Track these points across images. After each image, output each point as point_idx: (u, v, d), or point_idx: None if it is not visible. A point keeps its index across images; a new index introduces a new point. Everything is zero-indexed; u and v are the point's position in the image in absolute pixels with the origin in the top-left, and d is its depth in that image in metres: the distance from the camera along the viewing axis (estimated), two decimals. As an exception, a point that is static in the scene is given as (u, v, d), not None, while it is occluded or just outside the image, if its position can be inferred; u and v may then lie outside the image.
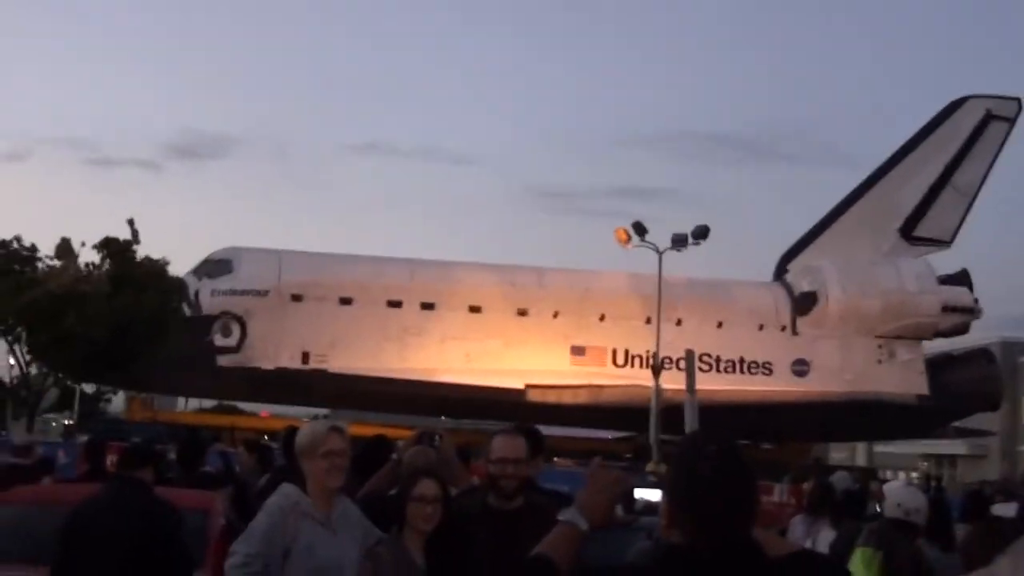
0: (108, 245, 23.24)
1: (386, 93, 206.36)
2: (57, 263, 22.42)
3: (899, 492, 7.02)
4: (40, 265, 22.45)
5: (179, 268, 40.24)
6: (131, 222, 23.73)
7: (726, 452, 2.89)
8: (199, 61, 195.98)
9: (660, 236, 36.08)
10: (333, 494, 5.41)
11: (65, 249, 22.57)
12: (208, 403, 51.70)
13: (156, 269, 23.81)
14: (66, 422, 47.04)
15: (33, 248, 22.74)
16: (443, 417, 43.73)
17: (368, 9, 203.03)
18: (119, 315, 21.86)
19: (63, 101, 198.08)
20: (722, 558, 2.75)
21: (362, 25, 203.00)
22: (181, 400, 49.98)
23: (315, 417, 48.61)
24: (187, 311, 27.18)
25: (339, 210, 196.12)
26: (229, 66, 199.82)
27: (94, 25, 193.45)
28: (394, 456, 7.66)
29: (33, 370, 22.88)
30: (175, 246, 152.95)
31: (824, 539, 8.56)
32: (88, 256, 23.32)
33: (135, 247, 23.63)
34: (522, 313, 40.96)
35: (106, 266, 23.15)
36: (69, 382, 25.47)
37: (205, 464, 11.75)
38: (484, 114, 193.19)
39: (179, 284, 25.00)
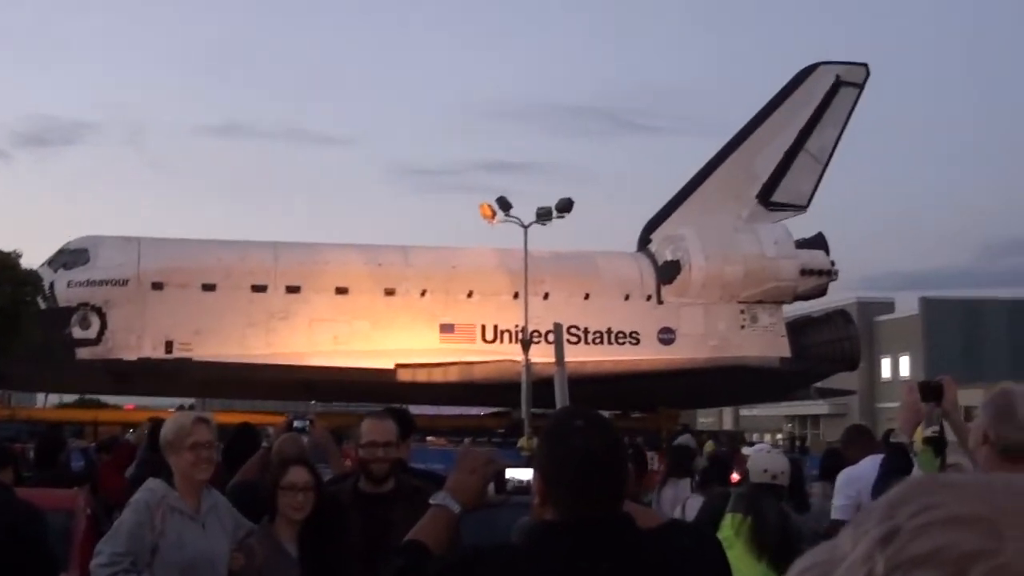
0: (-48, 238, 22.37)
1: (244, 72, 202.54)
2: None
3: (764, 458, 7.17)
4: None
5: (34, 260, 39.17)
6: None
7: (595, 425, 2.87)
8: (48, 44, 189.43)
9: (525, 210, 36.19)
10: (201, 486, 5.28)
11: (-94, 243, 21.68)
12: (70, 398, 50.26)
13: (8, 262, 22.97)
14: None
15: None
16: (313, 402, 43.30)
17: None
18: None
19: None
20: (596, 533, 2.72)
21: (218, 1, 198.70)
22: (40, 396, 48.63)
23: (181, 408, 47.82)
24: (42, 304, 26.35)
25: (199, 195, 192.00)
26: (80, 48, 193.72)
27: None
28: (264, 444, 7.56)
29: None
30: (28, 238, 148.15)
31: (692, 506, 8.69)
32: None
33: None
34: (389, 293, 40.79)
35: None
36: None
37: (66, 461, 11.49)
38: (345, 93, 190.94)
39: (33, 276, 24.19)
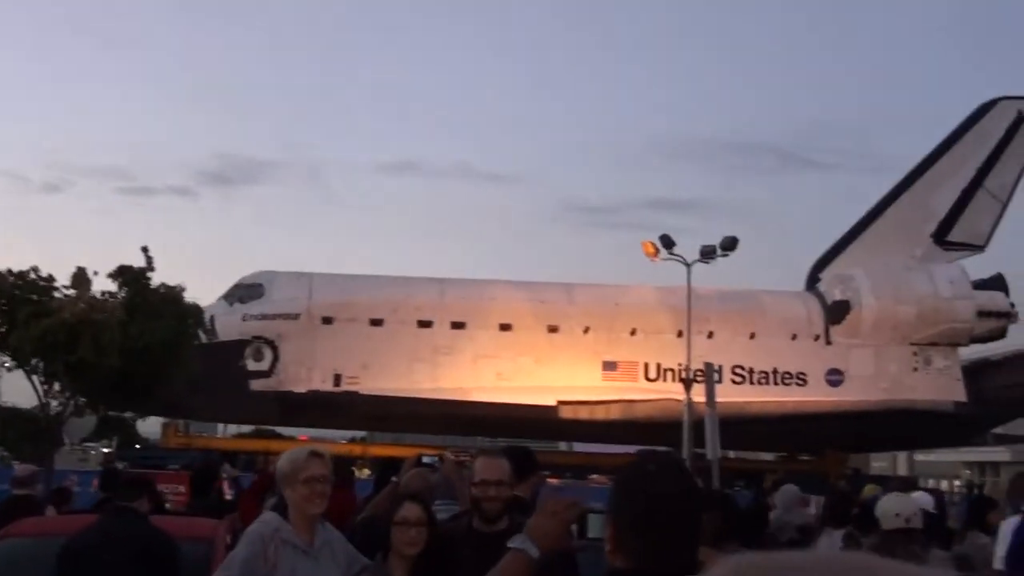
0: (123, 273, 23.31)
1: (418, 111, 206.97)
2: (72, 292, 22.57)
3: (894, 502, 6.79)
4: (57, 295, 22.60)
5: (213, 293, 40.58)
6: (145, 249, 23.83)
7: (669, 470, 2.81)
8: (229, 85, 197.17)
9: (690, 248, 35.86)
10: (315, 520, 5.35)
11: (80, 278, 22.70)
12: (247, 428, 51.89)
13: (172, 295, 23.85)
14: (104, 450, 47.35)
15: (50, 278, 22.87)
16: (478, 437, 43.68)
17: (397, 27, 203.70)
18: (133, 342, 21.94)
19: (96, 130, 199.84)
20: None
21: (392, 43, 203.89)
22: (220, 427, 50.34)
23: (352, 440, 48.77)
24: (203, 337, 27.35)
25: (371, 231, 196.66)
26: (260, 89, 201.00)
27: (124, 52, 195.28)
28: (393, 479, 7.63)
29: (52, 401, 22.97)
30: (209, 271, 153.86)
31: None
32: (105, 285, 23.51)
33: (150, 274, 23.67)
34: (552, 330, 40.88)
35: (122, 294, 23.27)
36: (102, 411, 25.60)
37: (219, 490, 11.76)
38: (514, 130, 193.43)
39: (195, 310, 25.08)
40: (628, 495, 2.77)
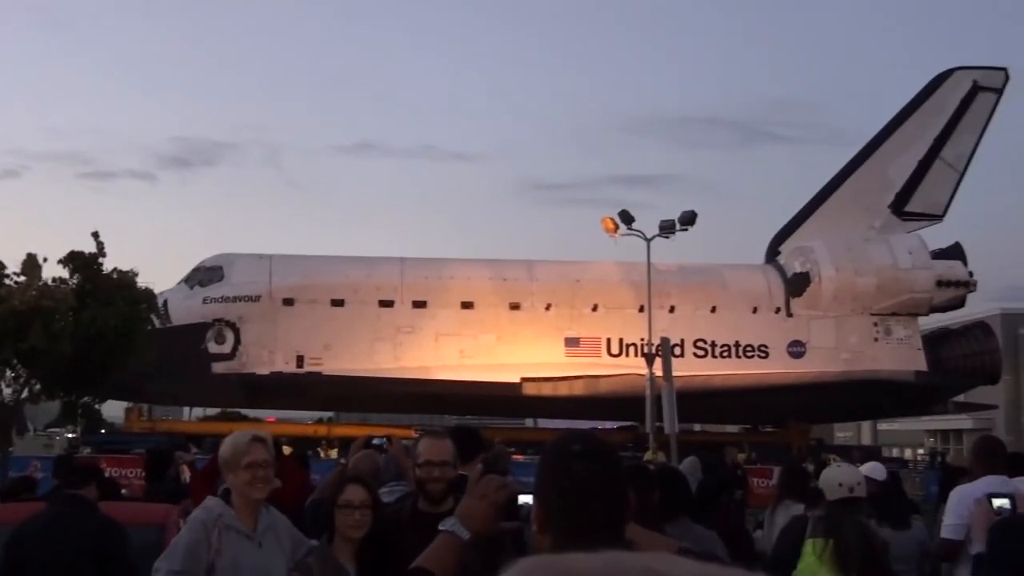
0: (73, 259, 23.08)
1: (377, 92, 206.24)
2: (23, 279, 22.33)
3: (836, 472, 6.83)
4: (8, 282, 22.35)
5: (173, 277, 40.31)
6: (96, 235, 23.61)
7: (594, 450, 2.77)
8: (187, 69, 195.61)
9: (651, 223, 35.94)
10: (258, 505, 5.31)
11: (30, 265, 22.46)
12: (212, 411, 51.66)
13: (124, 281, 23.64)
14: (68, 435, 47.06)
15: (0, 265, 22.63)
16: (444, 416, 43.66)
17: (355, 9, 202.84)
18: (85, 328, 21.75)
19: (55, 116, 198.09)
20: None
21: (350, 25, 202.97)
22: (186, 410, 50.07)
23: (319, 421, 48.61)
24: (156, 322, 27.19)
25: (331, 212, 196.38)
26: (218, 72, 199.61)
27: (82, 38, 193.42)
28: (341, 461, 7.59)
29: (6, 388, 22.78)
30: (169, 254, 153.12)
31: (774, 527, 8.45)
32: (57, 271, 23.28)
33: (101, 259, 23.45)
34: (514, 307, 40.92)
35: (73, 280, 23.06)
36: (60, 397, 25.38)
37: (176, 474, 11.66)
38: (473, 109, 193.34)
39: (148, 295, 24.89)
40: (552, 476, 2.73)
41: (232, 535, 5.16)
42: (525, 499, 3.36)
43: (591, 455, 2.74)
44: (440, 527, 3.44)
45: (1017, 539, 5.71)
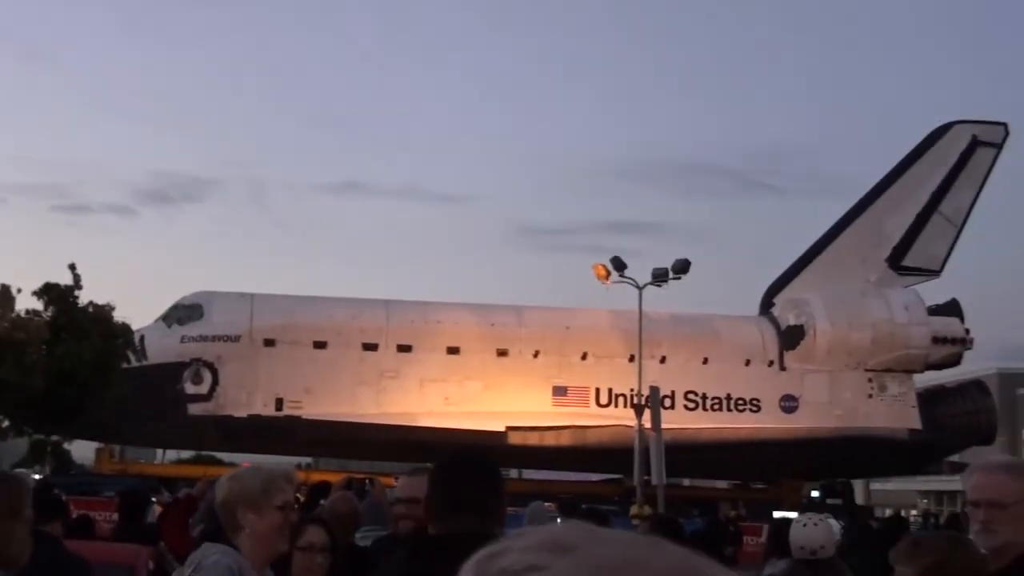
0: (48, 291, 22.21)
1: (363, 131, 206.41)
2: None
3: (799, 533, 6.71)
4: None
5: (151, 314, 39.35)
6: (72, 267, 22.81)
7: (465, 458, 3.56)
8: (169, 103, 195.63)
9: (643, 271, 35.16)
10: (275, 558, 4.26)
11: (3, 296, 21.60)
12: (187, 454, 50.59)
13: (100, 315, 22.76)
14: (36, 476, 45.81)
15: None
16: (426, 464, 42.55)
17: (345, 47, 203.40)
18: (59, 363, 20.83)
19: (34, 148, 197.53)
20: (456, 543, 2.66)
21: (340, 63, 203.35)
22: (159, 452, 48.89)
23: (299, 467, 47.45)
24: (132, 359, 26.23)
25: (315, 251, 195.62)
26: (200, 107, 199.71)
27: (64, 69, 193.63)
28: (322, 502, 7.37)
29: None
30: (147, 291, 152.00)
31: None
32: (31, 303, 22.36)
33: (77, 292, 22.58)
34: (502, 353, 40.05)
35: (48, 313, 22.15)
36: (28, 433, 24.39)
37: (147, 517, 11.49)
38: (463, 150, 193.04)
39: (125, 329, 24.00)
40: (440, 480, 3.39)
41: None
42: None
43: (460, 462, 3.51)
44: None
45: None
